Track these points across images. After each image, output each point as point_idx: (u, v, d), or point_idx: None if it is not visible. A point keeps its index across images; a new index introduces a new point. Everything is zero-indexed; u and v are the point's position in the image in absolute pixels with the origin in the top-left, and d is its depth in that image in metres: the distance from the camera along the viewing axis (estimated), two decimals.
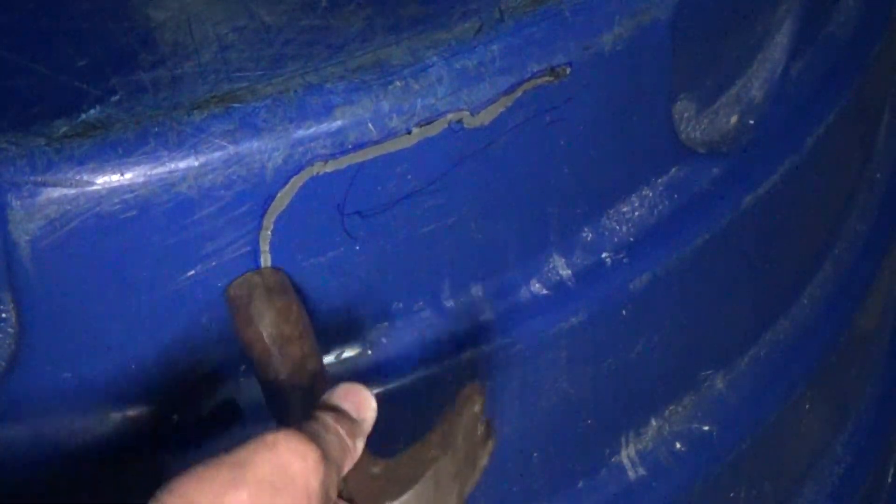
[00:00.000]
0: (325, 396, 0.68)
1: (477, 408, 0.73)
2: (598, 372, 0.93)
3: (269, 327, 0.74)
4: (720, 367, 1.05)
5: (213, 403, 0.80)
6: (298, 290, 0.77)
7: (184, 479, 0.60)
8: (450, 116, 0.77)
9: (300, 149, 0.73)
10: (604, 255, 0.90)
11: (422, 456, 0.70)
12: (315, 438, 0.63)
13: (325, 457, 0.63)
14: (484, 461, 0.73)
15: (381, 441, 0.83)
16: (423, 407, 0.85)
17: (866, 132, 1.20)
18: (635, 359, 0.95)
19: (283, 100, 0.73)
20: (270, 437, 0.61)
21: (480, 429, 0.73)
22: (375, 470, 0.69)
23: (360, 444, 0.67)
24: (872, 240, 1.20)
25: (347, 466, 0.67)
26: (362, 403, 0.68)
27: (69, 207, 0.70)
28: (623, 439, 0.99)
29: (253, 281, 0.75)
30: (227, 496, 0.60)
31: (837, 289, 1.15)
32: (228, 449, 0.61)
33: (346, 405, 0.68)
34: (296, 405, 0.72)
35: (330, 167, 0.74)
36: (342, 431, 0.66)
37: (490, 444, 0.74)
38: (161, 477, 0.66)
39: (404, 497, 0.69)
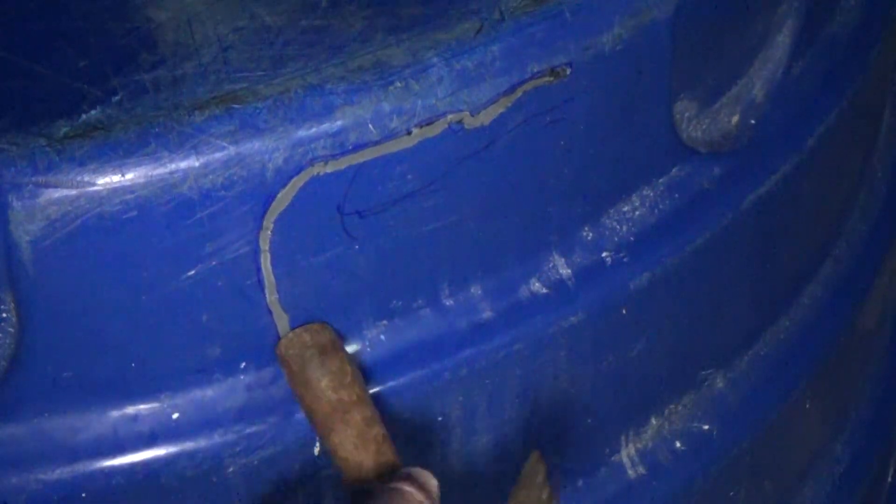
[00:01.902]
0: (396, 473, 0.73)
1: (540, 478, 0.76)
2: (598, 371, 0.93)
3: (328, 392, 0.77)
4: (720, 367, 1.05)
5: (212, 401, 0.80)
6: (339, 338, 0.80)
7: None
8: (450, 117, 0.77)
9: (300, 149, 0.73)
10: (604, 254, 0.90)
11: None
12: None
13: None
14: None
15: None
16: (422, 406, 0.85)
17: (867, 132, 1.20)
18: (635, 358, 0.95)
19: (283, 100, 0.73)
20: None
21: (545, 495, 0.77)
22: None
23: None
24: (873, 239, 1.20)
25: None
26: (429, 479, 0.73)
27: (70, 208, 0.70)
28: (623, 438, 0.99)
29: (303, 340, 0.78)
30: None
31: (838, 288, 1.15)
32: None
33: (417, 478, 0.73)
34: (363, 471, 0.76)
35: (330, 167, 0.74)
36: (420, 497, 0.71)
37: None
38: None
39: None
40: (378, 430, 0.77)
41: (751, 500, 1.11)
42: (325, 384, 0.76)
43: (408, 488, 0.71)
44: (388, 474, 0.75)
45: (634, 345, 0.95)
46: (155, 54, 0.75)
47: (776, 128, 0.99)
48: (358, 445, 0.76)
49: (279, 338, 0.79)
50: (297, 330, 0.78)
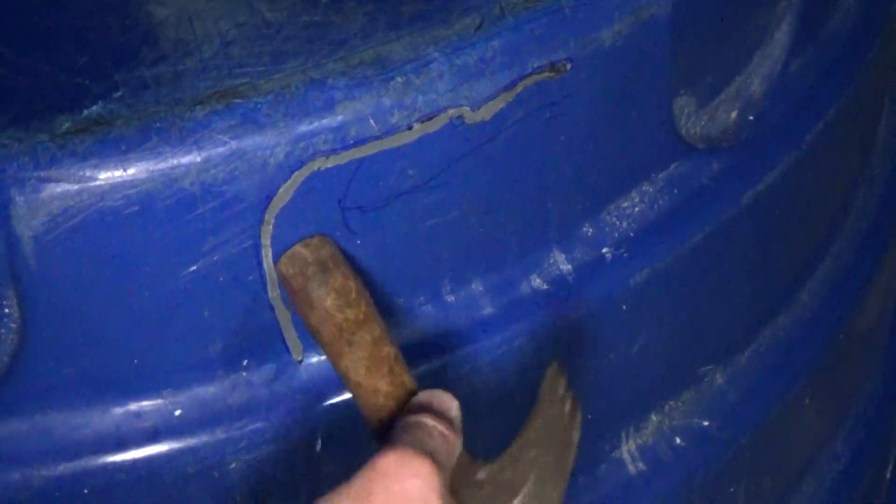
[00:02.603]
0: (413, 400, 0.71)
1: (562, 390, 0.74)
2: (598, 367, 0.93)
3: (333, 312, 0.73)
4: (720, 363, 1.05)
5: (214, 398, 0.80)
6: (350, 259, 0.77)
7: None
8: (450, 112, 0.77)
9: (301, 144, 0.73)
10: (604, 250, 0.91)
11: (523, 456, 0.72)
12: (423, 448, 0.65)
13: (438, 464, 0.65)
14: (576, 436, 0.74)
15: None
16: None
17: (866, 128, 1.21)
18: (635, 354, 0.95)
19: (284, 95, 0.73)
20: (382, 464, 0.64)
21: (567, 406, 0.74)
22: (480, 476, 0.71)
23: (460, 441, 0.69)
24: (872, 235, 1.20)
25: (455, 456, 0.69)
26: (449, 402, 0.71)
27: (72, 203, 0.70)
28: (623, 434, 0.99)
29: (302, 256, 0.75)
30: None
31: (837, 284, 1.15)
32: (347, 478, 0.64)
33: (436, 406, 0.70)
34: (379, 398, 0.73)
35: (331, 162, 0.74)
36: (444, 429, 0.68)
37: (578, 416, 0.75)
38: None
39: (515, 502, 0.71)
40: (389, 350, 0.74)
41: (750, 497, 1.11)
42: (330, 303, 0.73)
43: (427, 420, 0.68)
44: (406, 399, 0.73)
45: (634, 341, 0.95)
46: (156, 50, 0.76)
47: (775, 124, 1.00)
48: (370, 368, 0.73)
49: (281, 334, 0.79)
50: (295, 246, 0.75)
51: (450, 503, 0.66)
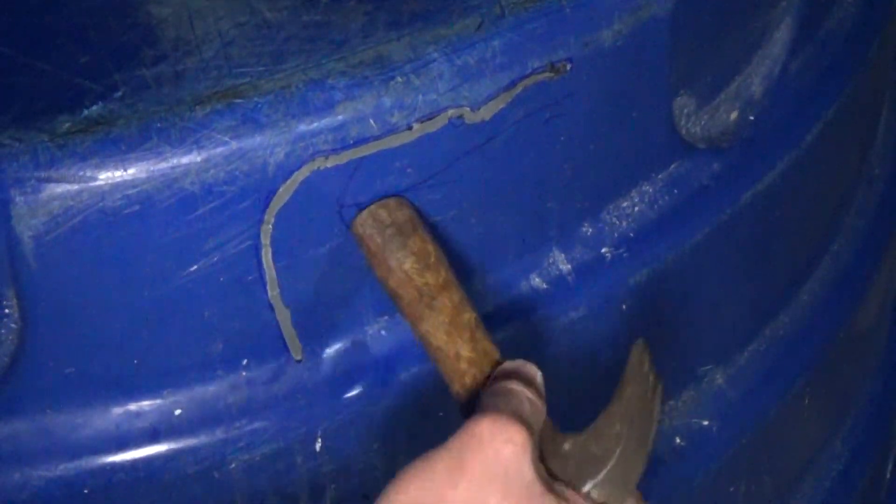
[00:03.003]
0: (500, 368, 0.72)
1: (647, 367, 0.75)
2: (598, 367, 0.93)
3: (413, 276, 0.73)
4: (720, 363, 1.05)
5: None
6: (427, 222, 0.76)
7: (407, 476, 0.64)
8: (450, 112, 0.77)
9: (302, 144, 0.73)
10: (604, 249, 0.91)
11: (609, 431, 0.73)
12: (516, 414, 0.66)
13: (531, 430, 0.66)
14: (658, 410, 0.75)
15: (384, 436, 0.83)
16: (424, 400, 0.85)
17: (865, 128, 1.21)
18: None
19: (284, 95, 0.73)
20: (477, 429, 0.65)
21: (651, 381, 0.75)
22: (566, 447, 0.72)
23: (545, 405, 0.70)
24: (871, 235, 1.20)
25: (541, 422, 0.70)
26: (533, 370, 0.72)
27: (72, 203, 0.70)
28: None
29: (379, 218, 0.74)
30: (447, 495, 0.64)
31: (836, 284, 1.15)
32: (444, 440, 0.65)
33: (521, 372, 0.71)
34: (461, 363, 0.73)
35: (331, 162, 0.74)
36: (533, 396, 0.69)
37: (660, 390, 0.75)
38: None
39: (600, 476, 0.72)
40: (470, 315, 0.74)
41: (750, 496, 1.11)
42: (409, 267, 0.73)
43: (516, 387, 0.69)
44: (488, 365, 0.73)
45: (634, 340, 0.95)
46: (156, 50, 0.76)
47: (774, 124, 1.00)
48: (451, 332, 0.73)
49: (281, 334, 0.79)
50: (371, 207, 0.75)
51: (540, 469, 0.67)
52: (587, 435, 0.73)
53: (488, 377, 0.72)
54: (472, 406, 0.72)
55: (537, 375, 0.71)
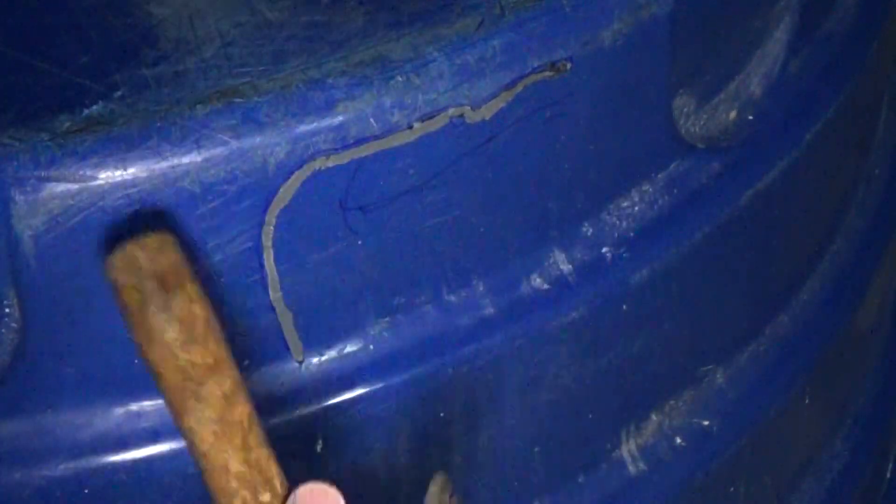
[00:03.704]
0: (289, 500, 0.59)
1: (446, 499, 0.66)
2: (599, 367, 0.93)
3: (176, 351, 0.58)
4: (720, 362, 1.05)
5: None
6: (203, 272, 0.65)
7: None
8: (451, 111, 0.77)
9: (302, 144, 0.73)
10: (604, 249, 0.91)
11: None
12: None
13: None
14: None
15: (385, 437, 0.83)
16: (424, 402, 0.85)
17: (865, 128, 1.21)
18: (636, 353, 0.95)
19: (285, 95, 0.73)
20: None
21: None
22: None
23: None
24: (871, 235, 1.20)
25: None
26: (331, 500, 0.59)
27: (72, 203, 0.70)
28: (623, 434, 0.99)
29: (138, 263, 0.59)
30: None
31: (836, 284, 1.15)
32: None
33: None
34: (230, 481, 0.60)
35: (332, 162, 0.74)
36: None
37: None
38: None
39: None
40: (243, 409, 0.59)
41: (750, 496, 1.11)
42: (171, 338, 0.57)
43: None
44: (265, 489, 0.59)
45: (635, 340, 0.95)
46: (156, 49, 0.75)
47: (774, 123, 1.00)
48: (219, 434, 0.58)
49: (282, 334, 0.79)
50: (128, 246, 0.59)
51: None
52: None
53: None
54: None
55: None
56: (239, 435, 0.59)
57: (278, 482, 0.61)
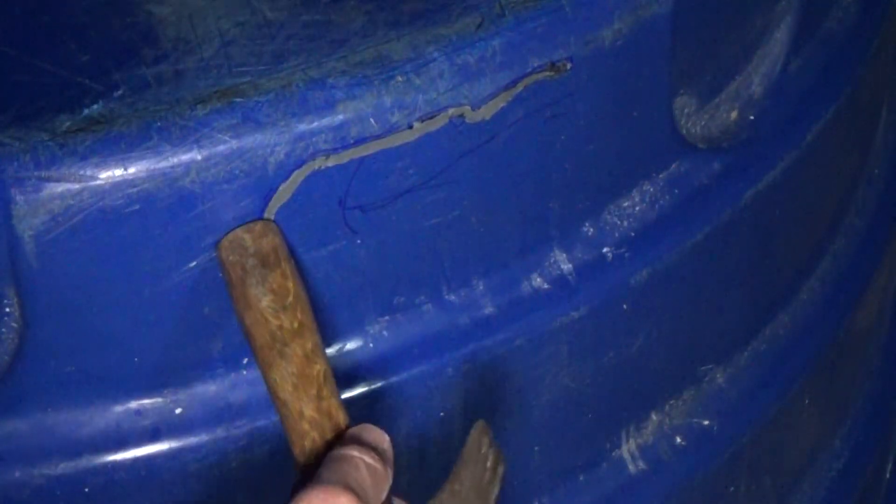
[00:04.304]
0: (345, 435, 0.68)
1: (484, 449, 0.73)
2: (599, 366, 0.93)
3: (268, 316, 0.68)
4: (720, 362, 1.05)
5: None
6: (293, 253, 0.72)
7: None
8: (451, 111, 0.77)
9: (302, 143, 0.73)
10: (605, 249, 0.91)
11: None
12: (346, 483, 0.62)
13: (360, 496, 0.62)
14: (496, 491, 0.73)
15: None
16: (424, 401, 0.85)
17: (865, 128, 1.21)
18: (636, 353, 0.95)
19: (285, 94, 0.73)
20: (304, 502, 0.61)
21: (490, 461, 0.73)
22: None
23: (390, 472, 0.66)
24: (871, 234, 1.20)
25: (385, 492, 0.66)
26: (380, 436, 0.67)
27: (72, 202, 0.70)
28: (624, 433, 0.99)
29: (244, 244, 0.70)
30: None
31: (836, 284, 1.15)
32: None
33: (366, 439, 0.67)
34: (304, 423, 0.68)
35: (332, 161, 0.74)
36: (370, 460, 0.65)
37: (500, 471, 0.73)
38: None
39: None
40: (320, 368, 0.68)
41: (750, 496, 1.11)
42: (265, 305, 0.67)
43: (355, 453, 0.64)
44: (332, 430, 0.68)
45: (635, 340, 0.95)
46: (157, 49, 0.76)
47: (774, 123, 1.00)
48: (298, 386, 0.67)
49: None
50: (237, 230, 0.70)
51: None
52: None
53: (329, 443, 0.68)
54: (307, 474, 0.67)
55: (383, 441, 0.67)
56: (314, 387, 0.68)
57: (344, 426, 0.69)
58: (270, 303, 0.68)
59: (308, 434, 0.68)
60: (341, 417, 0.70)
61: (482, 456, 0.73)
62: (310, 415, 0.68)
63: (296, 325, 0.69)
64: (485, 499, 0.72)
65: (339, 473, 0.63)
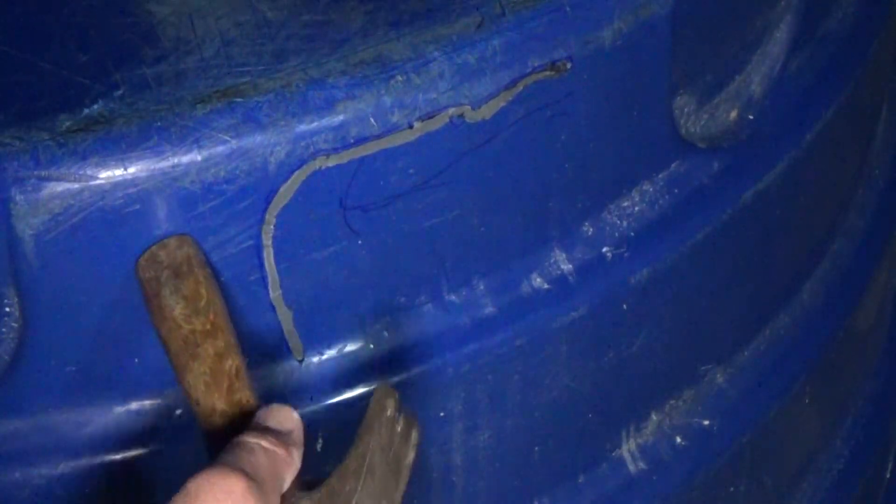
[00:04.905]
0: (252, 421, 0.68)
1: (390, 412, 0.70)
2: (599, 366, 0.93)
3: (181, 322, 0.69)
4: (720, 362, 1.05)
5: None
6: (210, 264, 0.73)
7: None
8: (451, 111, 0.77)
9: (302, 143, 0.73)
10: (604, 249, 0.91)
11: (342, 487, 0.68)
12: (237, 466, 0.63)
13: (254, 479, 0.62)
14: (410, 458, 0.71)
15: None
16: (424, 401, 0.85)
17: (864, 128, 1.21)
18: (636, 353, 0.95)
19: (285, 94, 0.73)
20: (192, 486, 0.61)
21: (400, 427, 0.71)
22: None
23: (296, 455, 0.67)
24: (871, 234, 1.20)
25: (290, 476, 0.66)
26: (285, 417, 0.68)
27: (72, 202, 0.70)
28: (624, 433, 0.99)
29: (159, 259, 0.71)
30: None
31: (836, 284, 1.15)
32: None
33: (270, 423, 0.67)
34: (216, 418, 0.69)
35: (332, 161, 0.74)
36: (268, 444, 0.65)
37: (414, 436, 0.71)
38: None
39: None
40: (232, 363, 0.69)
41: (750, 496, 1.11)
42: (178, 313, 0.68)
43: (250, 439, 0.65)
44: (242, 419, 0.68)
45: (635, 340, 0.95)
46: (157, 49, 0.75)
47: (774, 123, 1.00)
48: (210, 384, 0.68)
49: (282, 334, 0.79)
50: (152, 247, 0.71)
51: None
52: (322, 493, 0.68)
53: (239, 433, 0.67)
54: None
55: (289, 421, 0.67)
56: (226, 381, 0.69)
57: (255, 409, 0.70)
58: (183, 309, 0.69)
59: (221, 430, 0.69)
60: (252, 403, 0.70)
61: (388, 419, 0.70)
62: (221, 409, 0.69)
63: (208, 326, 0.69)
64: (397, 465, 0.70)
65: (233, 457, 0.64)
